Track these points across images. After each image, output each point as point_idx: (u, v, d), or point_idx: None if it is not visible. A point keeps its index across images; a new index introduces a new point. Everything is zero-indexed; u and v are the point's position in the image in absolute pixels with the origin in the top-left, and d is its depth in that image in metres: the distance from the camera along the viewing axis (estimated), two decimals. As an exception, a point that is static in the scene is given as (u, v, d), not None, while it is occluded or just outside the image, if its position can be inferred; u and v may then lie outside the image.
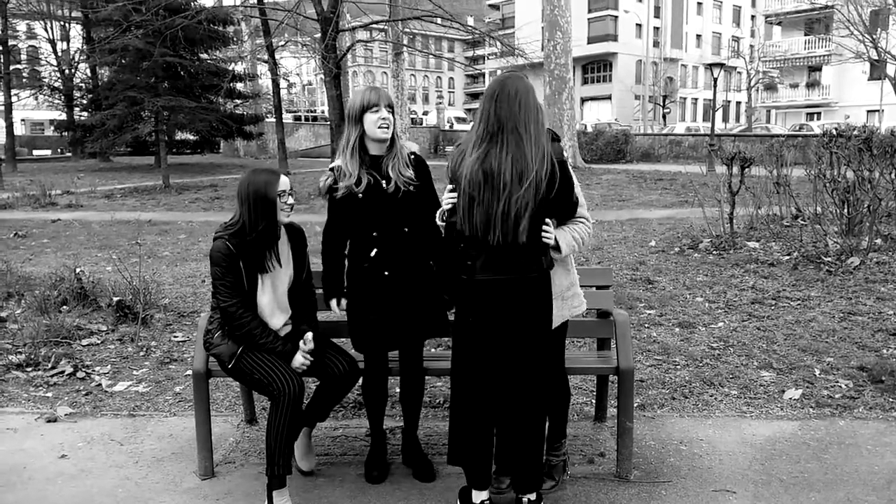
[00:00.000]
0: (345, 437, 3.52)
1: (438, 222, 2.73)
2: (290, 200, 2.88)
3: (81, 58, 32.61)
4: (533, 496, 2.69)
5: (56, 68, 34.20)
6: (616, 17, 53.58)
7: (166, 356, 4.76)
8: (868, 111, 38.65)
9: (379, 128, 2.90)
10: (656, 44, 54.03)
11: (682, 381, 4.14)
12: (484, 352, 2.59)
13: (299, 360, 2.89)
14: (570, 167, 2.61)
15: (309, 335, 2.95)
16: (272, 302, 2.94)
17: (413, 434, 3.19)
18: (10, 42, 31.26)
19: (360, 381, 3.13)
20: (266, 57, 23.22)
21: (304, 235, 3.11)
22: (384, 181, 2.94)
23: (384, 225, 2.94)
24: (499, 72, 70.33)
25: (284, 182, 2.87)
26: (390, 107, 2.93)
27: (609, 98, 54.58)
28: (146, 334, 5.18)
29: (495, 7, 65.67)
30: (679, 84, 56.79)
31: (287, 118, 38.08)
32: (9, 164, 27.15)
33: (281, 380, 2.78)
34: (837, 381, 4.06)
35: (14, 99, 31.34)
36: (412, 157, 3.01)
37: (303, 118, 47.56)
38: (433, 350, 4.35)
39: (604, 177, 18.28)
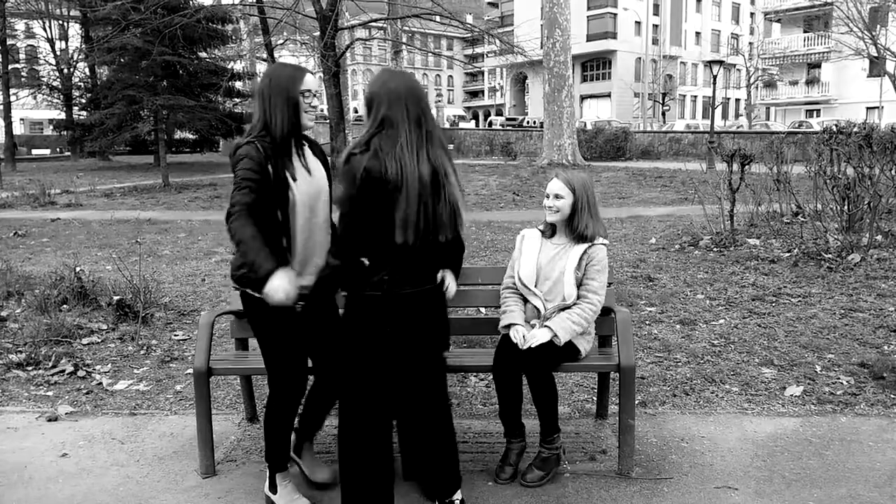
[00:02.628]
0: (346, 435, 3.51)
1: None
2: (315, 102, 2.63)
3: (80, 57, 32.60)
4: (459, 495, 2.67)
5: (55, 67, 34.19)
6: (615, 14, 53.55)
7: (167, 355, 4.75)
8: (868, 108, 38.65)
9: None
10: (655, 41, 54.03)
11: (684, 378, 4.14)
12: (401, 363, 2.53)
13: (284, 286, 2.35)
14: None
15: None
16: (307, 226, 2.63)
17: None
18: (9, 41, 31.28)
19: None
20: (265, 55, 23.25)
21: (324, 153, 2.84)
22: None
23: None
24: (498, 70, 70.04)
25: (311, 80, 2.59)
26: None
27: (608, 96, 54.55)
28: (146, 333, 5.17)
29: (494, 5, 65.60)
30: (678, 81, 56.78)
31: (286, 117, 38.01)
32: (8, 163, 27.18)
33: (292, 374, 2.73)
34: (839, 378, 4.06)
35: (13, 98, 31.33)
36: None
37: (302, 117, 47.45)
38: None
39: (603, 174, 18.26)
